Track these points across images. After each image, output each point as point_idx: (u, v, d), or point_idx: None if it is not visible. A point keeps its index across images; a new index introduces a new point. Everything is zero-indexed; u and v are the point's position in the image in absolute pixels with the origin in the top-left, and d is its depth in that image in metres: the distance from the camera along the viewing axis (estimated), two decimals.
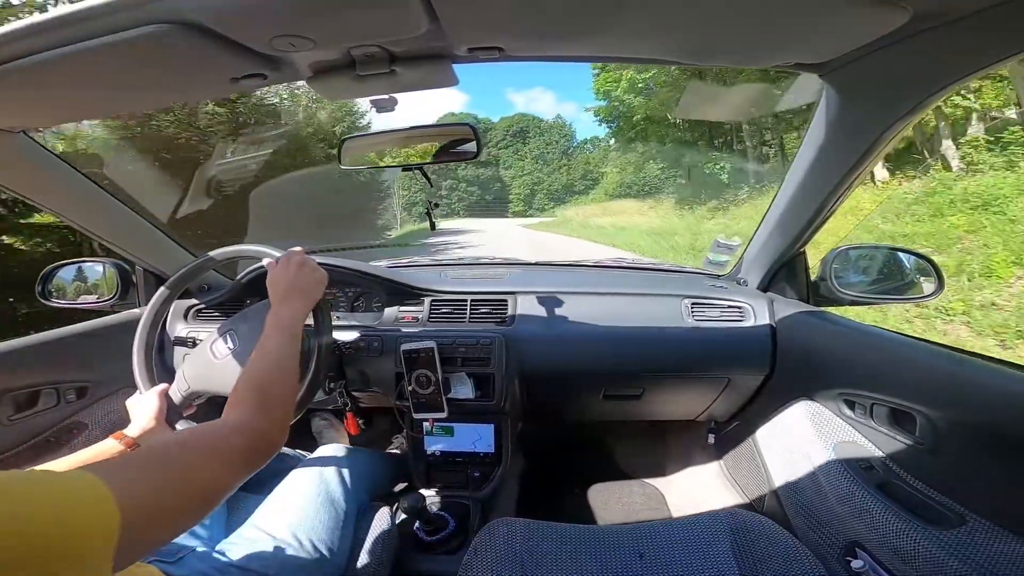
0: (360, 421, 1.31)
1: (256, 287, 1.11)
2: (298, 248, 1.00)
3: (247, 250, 1.09)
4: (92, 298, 1.45)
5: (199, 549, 0.86)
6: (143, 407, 0.99)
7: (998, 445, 0.70)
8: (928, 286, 1.17)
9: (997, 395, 0.69)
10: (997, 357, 0.80)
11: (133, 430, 0.94)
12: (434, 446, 1.40)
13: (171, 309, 1.18)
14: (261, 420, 0.65)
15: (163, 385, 1.04)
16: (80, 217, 1.17)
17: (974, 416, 0.73)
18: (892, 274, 1.26)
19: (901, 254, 1.25)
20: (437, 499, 1.32)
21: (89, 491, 0.40)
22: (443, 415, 1.22)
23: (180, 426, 1.04)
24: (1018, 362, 0.75)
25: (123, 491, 0.42)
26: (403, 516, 1.18)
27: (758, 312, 1.30)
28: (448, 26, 0.60)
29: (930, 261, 1.18)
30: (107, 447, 0.87)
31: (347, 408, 1.29)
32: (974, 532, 0.71)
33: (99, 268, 1.47)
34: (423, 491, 1.37)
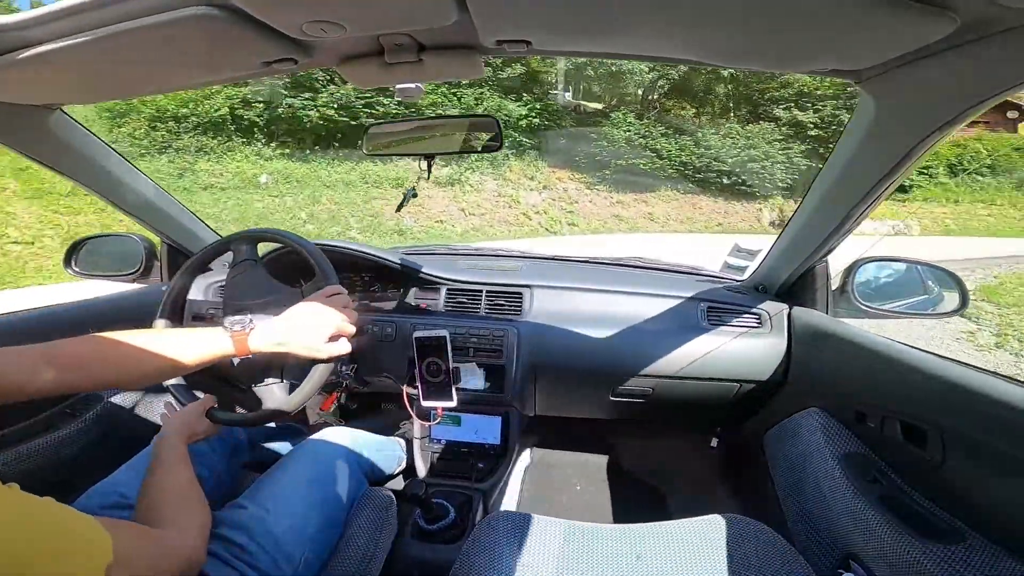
0: (341, 399, 1.29)
1: (276, 268, 1.13)
2: (342, 292, 0.94)
3: (287, 241, 1.05)
4: (117, 272, 1.49)
5: None
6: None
7: (1005, 462, 0.69)
8: (951, 302, 1.15)
9: (1010, 413, 0.68)
10: (1015, 376, 0.79)
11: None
12: (440, 435, 1.42)
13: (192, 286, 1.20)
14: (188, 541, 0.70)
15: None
16: (110, 192, 1.19)
17: (985, 433, 0.72)
18: (914, 288, 1.23)
19: (924, 268, 1.22)
20: (439, 488, 1.33)
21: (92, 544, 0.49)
22: (452, 404, 1.23)
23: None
24: None
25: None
26: (404, 503, 1.19)
27: (775, 320, 1.28)
28: (477, 17, 0.61)
29: (954, 276, 1.15)
30: (214, 333, 0.83)
31: (338, 388, 1.28)
32: (971, 550, 0.70)
33: (125, 242, 1.51)
34: (425, 479, 1.38)
